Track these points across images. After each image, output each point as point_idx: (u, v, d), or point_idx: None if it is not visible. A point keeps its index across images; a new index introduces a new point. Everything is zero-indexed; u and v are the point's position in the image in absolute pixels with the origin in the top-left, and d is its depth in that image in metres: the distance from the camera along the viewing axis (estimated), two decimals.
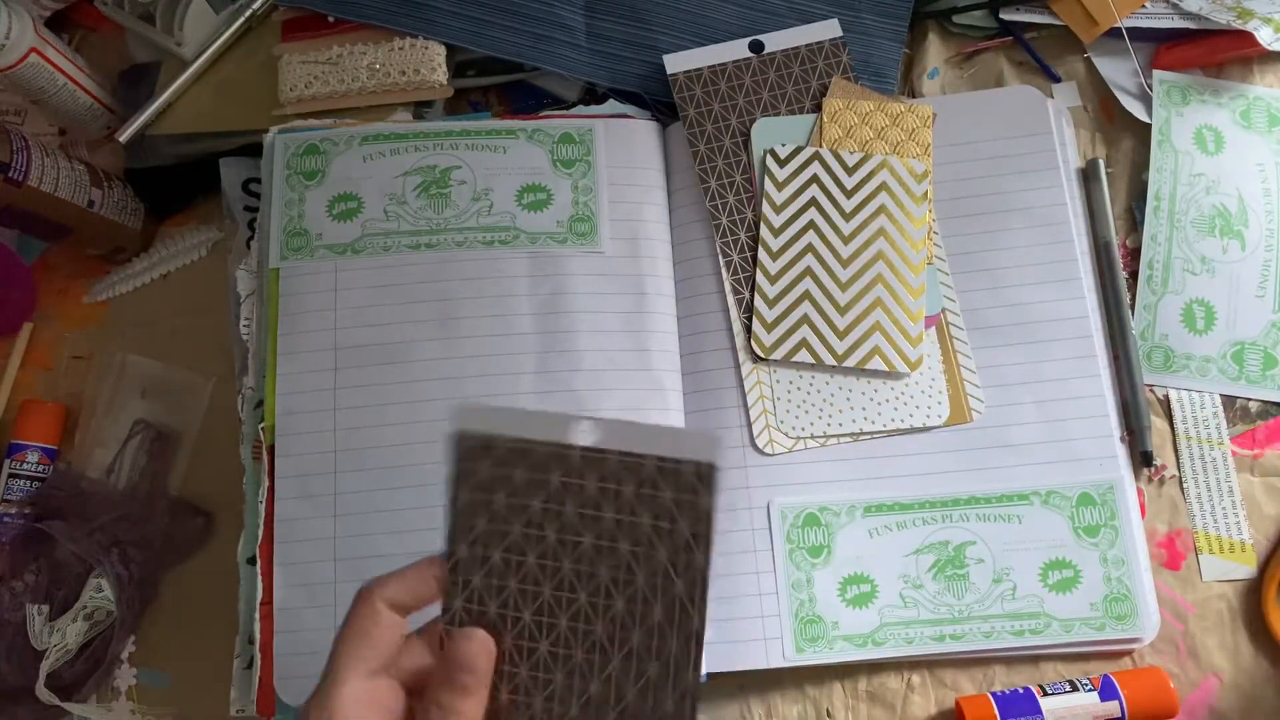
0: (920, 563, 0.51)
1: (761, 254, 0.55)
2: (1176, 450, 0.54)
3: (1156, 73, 0.58)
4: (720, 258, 0.55)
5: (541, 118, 0.58)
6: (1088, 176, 0.57)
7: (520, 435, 0.33)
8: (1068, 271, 0.54)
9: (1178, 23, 0.59)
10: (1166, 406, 0.55)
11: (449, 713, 0.33)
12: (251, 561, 0.52)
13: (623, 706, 0.34)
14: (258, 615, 0.50)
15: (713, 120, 0.58)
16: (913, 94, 0.61)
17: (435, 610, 0.35)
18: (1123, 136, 0.59)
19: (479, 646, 0.34)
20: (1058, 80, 0.60)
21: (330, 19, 0.60)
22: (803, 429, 0.53)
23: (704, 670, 0.34)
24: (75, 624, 0.53)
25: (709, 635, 0.34)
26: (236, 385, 0.56)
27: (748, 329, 0.54)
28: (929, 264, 0.55)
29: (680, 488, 0.33)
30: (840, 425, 0.53)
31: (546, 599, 0.34)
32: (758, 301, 0.54)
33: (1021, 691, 0.49)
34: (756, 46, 0.59)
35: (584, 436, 0.33)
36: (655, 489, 0.33)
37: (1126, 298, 0.55)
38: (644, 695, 0.34)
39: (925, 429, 0.53)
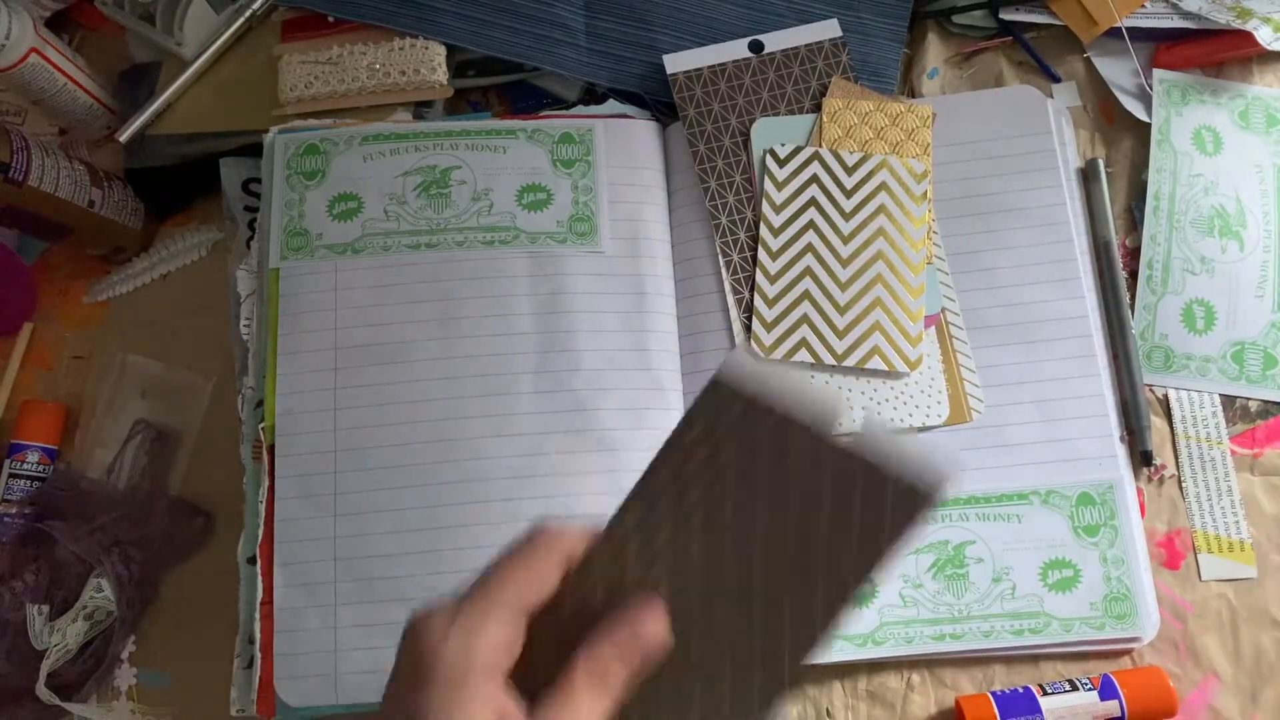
0: (920, 562, 0.51)
1: (761, 254, 0.55)
2: (1176, 450, 0.54)
3: (1156, 72, 0.58)
4: (720, 258, 0.55)
5: (541, 118, 0.59)
6: (1087, 176, 0.57)
7: (779, 403, 0.32)
8: (1067, 271, 0.54)
9: (1177, 22, 0.59)
10: (1166, 406, 0.55)
11: (605, 675, 0.32)
12: (252, 561, 0.52)
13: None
14: (258, 615, 0.50)
15: (712, 120, 0.58)
16: (912, 94, 0.61)
17: None
18: (1122, 136, 0.59)
19: (660, 628, 0.33)
20: (1057, 80, 0.60)
21: (330, 19, 0.60)
22: None
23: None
24: (75, 624, 0.53)
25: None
26: (236, 385, 0.56)
27: (748, 329, 0.54)
28: (928, 264, 0.55)
29: (890, 500, 0.31)
30: (840, 425, 0.53)
31: (702, 569, 0.33)
32: (757, 301, 0.54)
33: (1021, 691, 0.49)
34: (756, 46, 0.59)
35: (842, 427, 0.32)
36: (867, 490, 0.32)
37: (1126, 297, 0.55)
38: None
39: (925, 428, 0.53)
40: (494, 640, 0.32)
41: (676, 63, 0.59)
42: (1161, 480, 0.54)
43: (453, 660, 0.32)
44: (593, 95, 0.62)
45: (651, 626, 0.33)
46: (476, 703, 0.31)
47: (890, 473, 0.31)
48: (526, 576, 0.33)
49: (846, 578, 0.32)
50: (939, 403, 0.53)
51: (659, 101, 0.60)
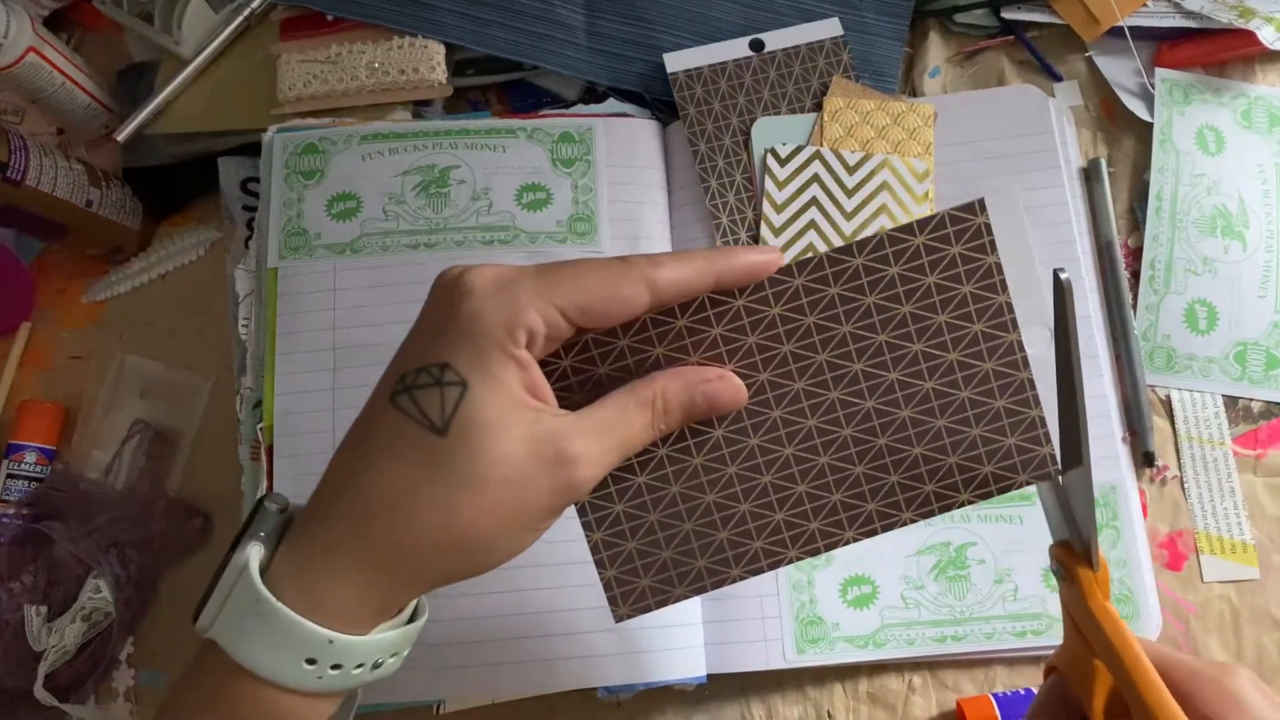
0: (921, 563, 0.51)
1: None
2: (1178, 451, 0.54)
3: (1158, 71, 0.58)
4: None
5: (541, 117, 0.58)
6: (1089, 176, 0.57)
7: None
8: (1069, 271, 0.54)
9: (1179, 22, 0.58)
10: (1168, 407, 0.54)
11: (662, 399, 0.33)
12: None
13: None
14: None
15: (713, 119, 0.57)
16: (914, 93, 0.60)
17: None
18: (1124, 136, 0.59)
19: (736, 391, 0.33)
20: (1059, 79, 0.60)
21: (329, 18, 0.60)
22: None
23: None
24: (73, 625, 0.53)
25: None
26: (235, 385, 0.56)
27: None
28: None
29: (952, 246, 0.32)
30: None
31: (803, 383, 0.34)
32: None
33: (1023, 693, 0.49)
34: (757, 45, 0.59)
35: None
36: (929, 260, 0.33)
37: (1128, 298, 0.55)
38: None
39: None
40: (538, 315, 0.31)
41: (677, 61, 0.58)
42: (1164, 481, 0.53)
43: (490, 314, 0.31)
44: (593, 94, 0.61)
45: (728, 384, 0.33)
46: (500, 356, 0.31)
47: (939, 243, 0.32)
48: (605, 282, 0.32)
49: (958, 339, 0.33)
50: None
51: (659, 100, 0.60)
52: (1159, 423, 0.54)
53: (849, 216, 0.55)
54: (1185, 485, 0.53)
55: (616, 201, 0.56)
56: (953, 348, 0.33)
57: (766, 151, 0.56)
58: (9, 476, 0.56)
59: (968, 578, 0.50)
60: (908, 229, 0.32)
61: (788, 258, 0.34)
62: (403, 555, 0.31)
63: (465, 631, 0.49)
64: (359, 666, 0.31)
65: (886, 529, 0.34)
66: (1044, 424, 0.34)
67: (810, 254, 0.35)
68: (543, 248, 0.55)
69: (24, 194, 0.54)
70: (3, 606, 0.54)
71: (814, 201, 0.55)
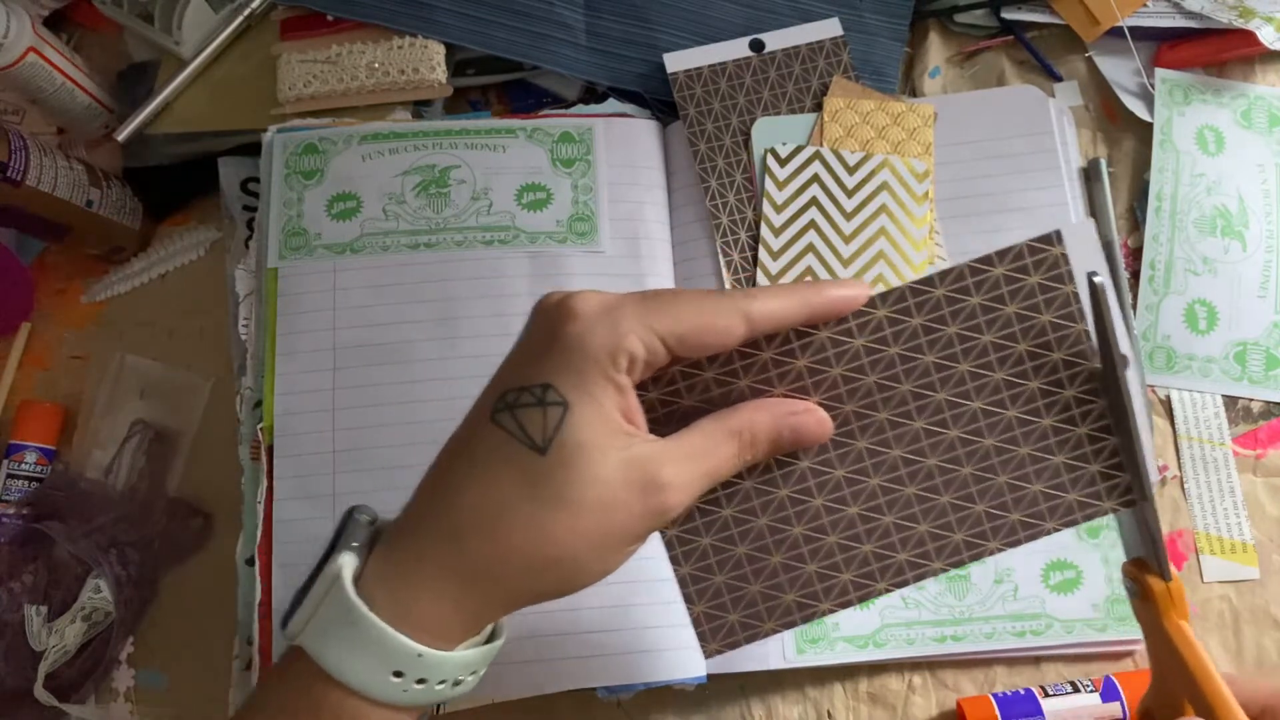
0: None
1: (762, 254, 0.55)
2: (1178, 451, 0.54)
3: (1158, 71, 0.58)
4: (720, 257, 0.55)
5: (541, 117, 0.58)
6: (1089, 176, 0.57)
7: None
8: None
9: (1179, 22, 0.58)
10: (1168, 407, 0.54)
11: (750, 431, 0.33)
12: (250, 562, 0.51)
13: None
14: (256, 616, 0.50)
15: (713, 119, 0.57)
16: (914, 93, 0.61)
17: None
18: (1124, 136, 0.59)
19: (822, 424, 0.34)
20: (1059, 79, 0.60)
21: (329, 18, 0.60)
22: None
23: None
24: (74, 625, 0.53)
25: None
26: (235, 385, 0.56)
27: None
28: (930, 264, 0.55)
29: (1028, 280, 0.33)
30: None
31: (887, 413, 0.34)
32: None
33: (1023, 693, 0.49)
34: (757, 45, 0.59)
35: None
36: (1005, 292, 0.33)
37: (1128, 298, 0.55)
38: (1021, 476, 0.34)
39: None
40: (639, 341, 0.32)
41: (677, 61, 0.58)
42: (1164, 481, 0.53)
43: (594, 338, 0.31)
44: (593, 94, 0.61)
45: (815, 416, 0.34)
46: (603, 382, 0.31)
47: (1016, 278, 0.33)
48: (705, 313, 0.32)
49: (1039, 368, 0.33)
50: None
51: (659, 100, 0.60)
52: (1159, 423, 0.54)
53: (849, 216, 0.55)
54: (1185, 485, 0.53)
55: (616, 201, 0.56)
56: (1034, 376, 0.34)
57: (766, 151, 0.56)
58: (9, 476, 0.56)
59: (968, 578, 0.50)
60: (987, 260, 0.33)
61: (876, 289, 0.34)
62: (496, 572, 0.31)
63: None
64: (441, 682, 0.32)
65: (973, 559, 0.34)
66: (1128, 450, 0.34)
67: (881, 286, 0.36)
68: (543, 247, 0.55)
69: (24, 194, 0.54)
70: (3, 606, 0.54)
71: (814, 201, 0.55)
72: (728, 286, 0.55)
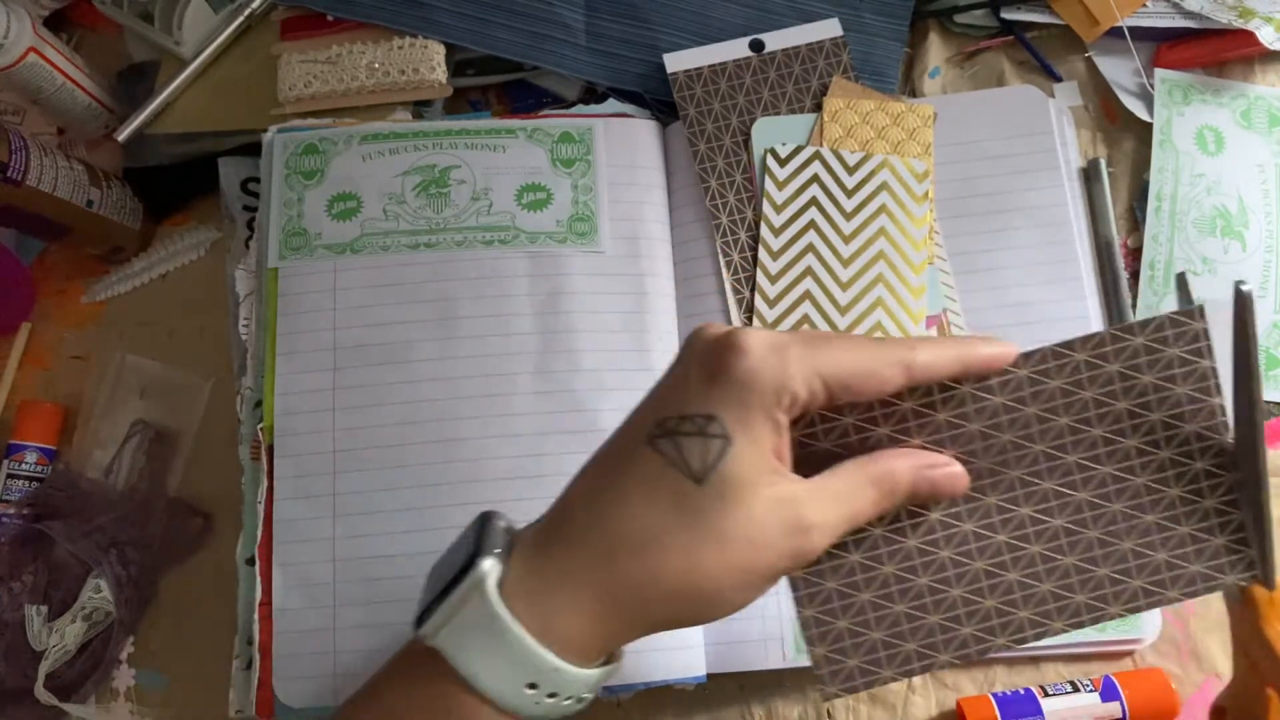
0: None
1: (762, 254, 0.55)
2: None
3: (1158, 71, 0.58)
4: (720, 257, 0.55)
5: (541, 117, 0.58)
6: (1089, 176, 0.57)
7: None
8: (1069, 271, 0.54)
9: (1179, 22, 0.58)
10: None
11: (891, 479, 0.33)
12: (250, 562, 0.51)
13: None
14: (257, 616, 0.50)
15: (713, 119, 0.58)
16: (914, 93, 0.61)
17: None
18: (1124, 136, 0.59)
19: (960, 478, 0.34)
20: (1059, 79, 0.60)
21: (329, 18, 0.60)
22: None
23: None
24: (74, 625, 0.53)
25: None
26: (235, 385, 0.56)
27: None
28: (930, 264, 0.55)
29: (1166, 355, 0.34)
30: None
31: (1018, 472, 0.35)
32: (758, 301, 0.54)
33: (1023, 692, 0.49)
34: (757, 45, 0.59)
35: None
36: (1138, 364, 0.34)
37: (1128, 298, 0.55)
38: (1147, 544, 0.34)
39: None
40: (803, 383, 0.32)
41: (677, 62, 0.58)
42: None
43: (763, 375, 0.31)
44: (593, 94, 0.61)
45: (952, 470, 0.34)
46: (766, 419, 0.31)
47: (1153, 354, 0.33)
48: (868, 360, 0.32)
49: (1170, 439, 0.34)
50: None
51: (659, 101, 0.60)
52: None
53: (849, 217, 0.55)
54: None
55: (616, 202, 0.56)
56: (1165, 446, 0.34)
57: (766, 152, 0.56)
58: (9, 476, 0.56)
59: None
60: (1129, 328, 0.34)
61: (1016, 350, 0.35)
62: (641, 595, 0.31)
63: None
64: (569, 698, 0.32)
65: (1093, 622, 0.35)
66: (1255, 526, 0.34)
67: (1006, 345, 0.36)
68: (543, 248, 0.55)
69: (24, 194, 0.54)
70: (3, 606, 0.54)
71: (814, 201, 0.55)
72: (728, 287, 0.55)
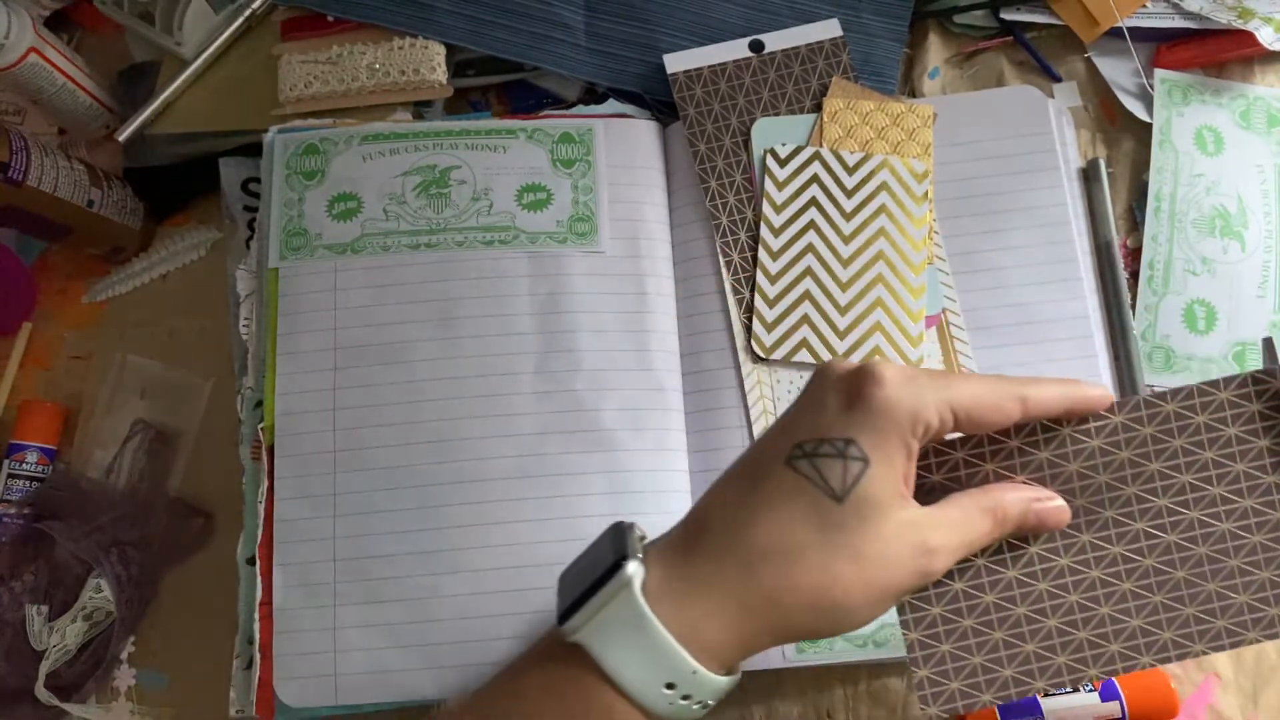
0: None
1: (762, 254, 0.55)
2: None
3: (1158, 72, 0.58)
4: (720, 258, 0.55)
5: (541, 117, 0.58)
6: (1088, 176, 0.57)
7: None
8: (1068, 271, 0.54)
9: (1178, 22, 0.59)
10: None
11: (1003, 511, 0.36)
12: (251, 562, 0.51)
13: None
14: (257, 615, 0.50)
15: (713, 120, 0.58)
16: (913, 94, 0.61)
17: None
18: (1123, 136, 0.59)
19: (1062, 513, 0.37)
20: (1058, 80, 0.60)
21: (330, 18, 0.60)
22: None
23: None
24: (74, 624, 0.53)
25: None
26: (236, 385, 0.56)
27: (748, 329, 0.54)
28: (929, 264, 0.55)
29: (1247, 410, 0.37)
30: None
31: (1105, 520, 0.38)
32: (758, 301, 0.54)
33: None
34: (757, 46, 0.59)
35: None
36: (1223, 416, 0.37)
37: (1127, 298, 0.55)
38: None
39: None
40: (935, 412, 0.34)
41: (677, 62, 0.58)
42: None
43: (903, 404, 0.34)
44: (593, 95, 0.61)
45: (1057, 505, 0.37)
46: (902, 445, 0.34)
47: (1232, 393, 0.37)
48: (990, 393, 0.35)
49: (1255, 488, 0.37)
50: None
51: (659, 101, 0.60)
52: None
53: (848, 217, 0.55)
54: None
55: (616, 202, 0.56)
56: (1248, 495, 0.37)
57: (766, 152, 0.56)
58: (10, 476, 0.56)
59: None
60: (1214, 384, 0.37)
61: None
62: (779, 606, 0.33)
63: (465, 631, 0.49)
64: (699, 702, 0.34)
65: (1180, 658, 0.37)
66: None
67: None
68: (543, 248, 0.55)
69: (25, 194, 0.54)
70: (4, 606, 0.54)
71: (813, 202, 0.55)
72: (728, 287, 0.55)
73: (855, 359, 0.53)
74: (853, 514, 0.33)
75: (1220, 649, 0.37)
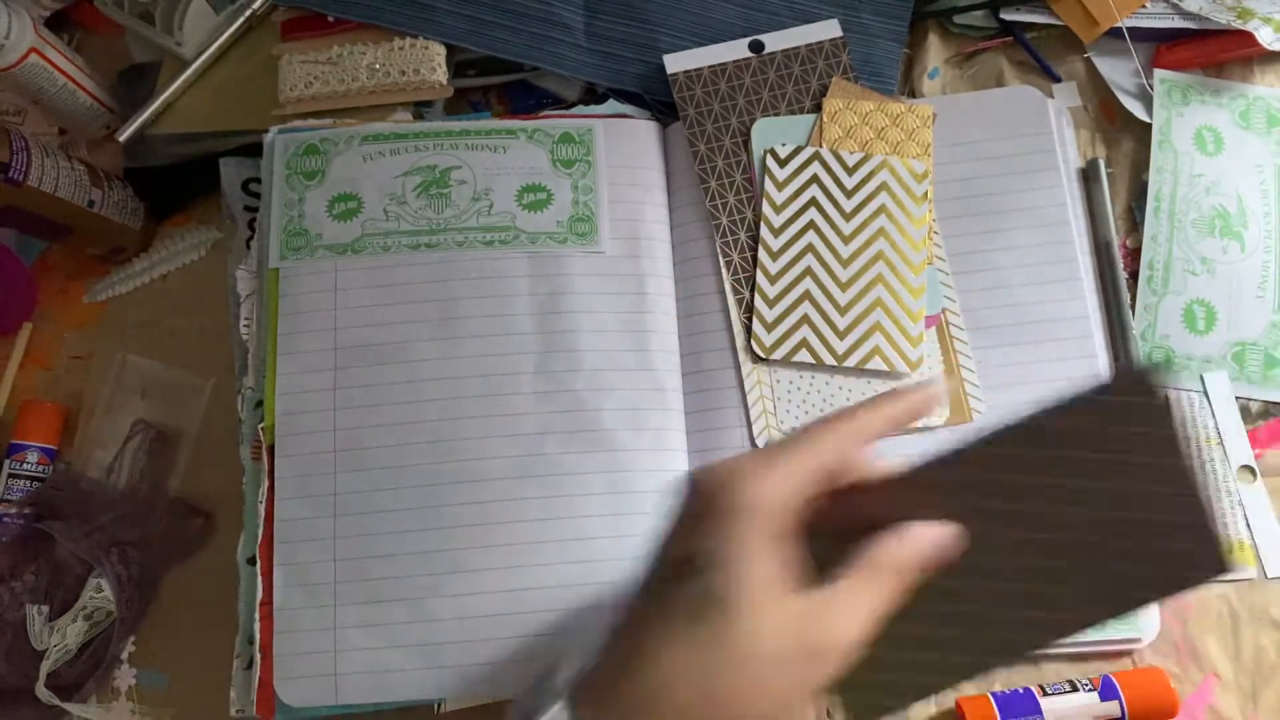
0: None
1: (761, 254, 0.55)
2: None
3: (1157, 72, 0.58)
4: (720, 258, 0.55)
5: (541, 118, 0.58)
6: (1088, 176, 0.57)
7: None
8: (1068, 271, 0.54)
9: (1178, 23, 0.59)
10: None
11: (882, 575, 0.34)
12: (251, 561, 0.52)
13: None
14: (258, 615, 0.50)
15: (713, 120, 0.58)
16: (913, 94, 0.61)
17: None
18: (1123, 137, 0.59)
19: (945, 542, 0.35)
20: (1058, 80, 0.60)
21: (330, 19, 0.60)
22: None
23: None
24: (75, 624, 0.53)
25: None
26: (236, 385, 0.56)
27: (748, 329, 0.54)
28: (929, 264, 0.55)
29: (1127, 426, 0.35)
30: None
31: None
32: (758, 301, 0.54)
33: (1022, 691, 0.49)
34: (756, 46, 0.59)
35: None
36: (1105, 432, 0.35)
37: (1127, 298, 0.55)
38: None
39: (926, 429, 0.52)
40: (793, 490, 0.33)
41: (677, 63, 0.59)
42: None
43: (747, 499, 0.33)
44: (593, 95, 0.61)
45: (954, 535, 0.35)
46: (760, 539, 0.32)
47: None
48: (832, 448, 0.34)
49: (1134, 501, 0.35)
50: (940, 403, 0.53)
51: (659, 101, 0.60)
52: None
53: (848, 217, 0.55)
54: None
55: (617, 202, 0.56)
56: (1116, 507, 0.35)
57: (766, 152, 0.56)
58: (11, 476, 0.56)
59: None
60: (1075, 401, 0.35)
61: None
62: None
63: (465, 631, 0.49)
64: None
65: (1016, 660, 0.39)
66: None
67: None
68: (543, 248, 0.55)
69: (26, 194, 0.54)
70: (4, 606, 0.54)
71: (813, 202, 0.55)
72: (728, 287, 0.55)
73: (855, 359, 0.53)
74: (727, 627, 0.32)
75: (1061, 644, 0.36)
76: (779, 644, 0.32)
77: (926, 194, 0.55)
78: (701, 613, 0.32)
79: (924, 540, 0.35)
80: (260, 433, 0.53)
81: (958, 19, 0.61)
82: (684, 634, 0.32)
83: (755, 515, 0.32)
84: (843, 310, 0.54)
